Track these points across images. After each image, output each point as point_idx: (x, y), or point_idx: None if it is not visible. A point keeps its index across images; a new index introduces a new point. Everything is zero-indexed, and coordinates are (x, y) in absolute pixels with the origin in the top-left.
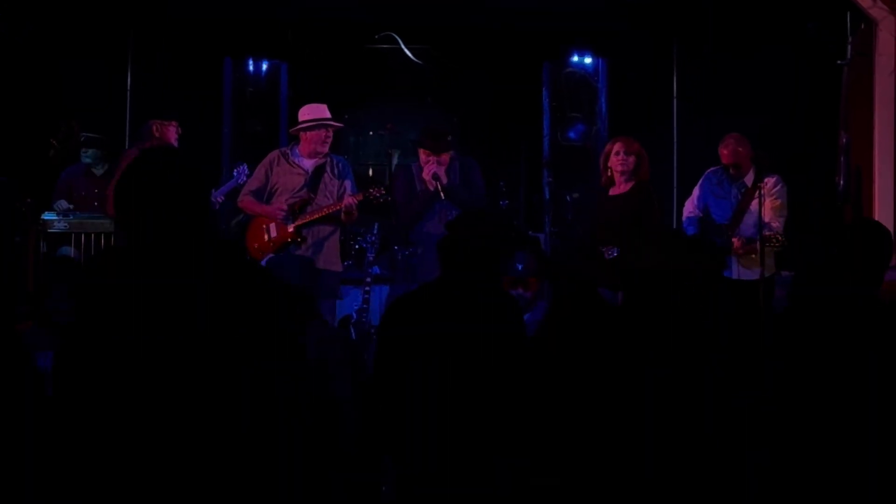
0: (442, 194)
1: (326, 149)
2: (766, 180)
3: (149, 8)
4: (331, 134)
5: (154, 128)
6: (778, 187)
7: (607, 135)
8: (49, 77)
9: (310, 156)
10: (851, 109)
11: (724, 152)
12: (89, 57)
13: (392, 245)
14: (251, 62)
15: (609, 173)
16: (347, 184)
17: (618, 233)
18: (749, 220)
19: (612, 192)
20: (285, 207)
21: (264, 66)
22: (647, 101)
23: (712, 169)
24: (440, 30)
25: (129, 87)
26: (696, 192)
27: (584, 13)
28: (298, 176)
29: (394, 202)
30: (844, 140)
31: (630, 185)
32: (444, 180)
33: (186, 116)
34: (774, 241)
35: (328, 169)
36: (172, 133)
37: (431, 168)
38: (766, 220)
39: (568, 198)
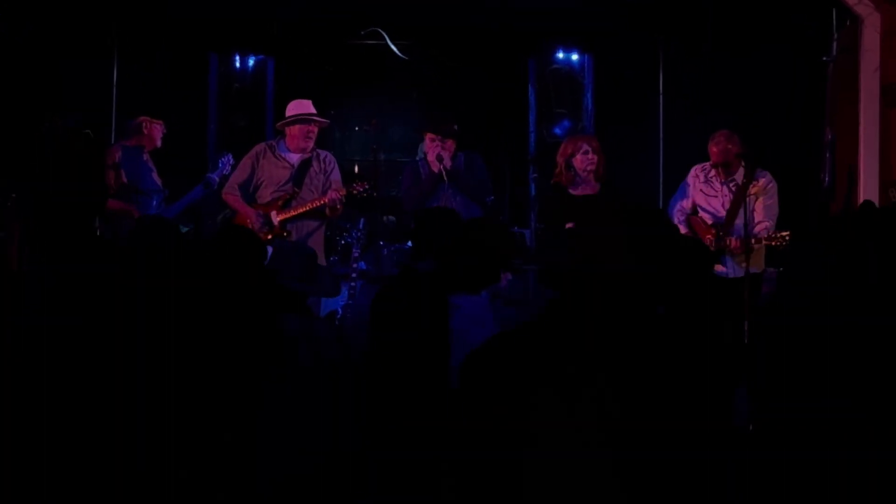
0: (445, 177)
1: (310, 144)
2: (758, 179)
3: (134, 3)
4: (314, 129)
5: (144, 125)
6: (770, 185)
7: (593, 131)
8: (32, 72)
9: (295, 150)
10: (837, 106)
11: (715, 150)
12: (75, 52)
13: (378, 240)
14: (237, 58)
15: (571, 172)
16: (333, 179)
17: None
18: (742, 218)
19: (574, 191)
20: (261, 214)
21: (251, 62)
22: (633, 97)
23: (699, 165)
24: (426, 26)
25: (114, 83)
26: (682, 188)
27: (571, 9)
28: (284, 169)
29: (400, 195)
30: (830, 137)
31: (598, 186)
32: (449, 164)
33: (172, 112)
34: (781, 238)
35: (314, 164)
36: (159, 131)
37: (436, 150)
38: (759, 218)
39: None
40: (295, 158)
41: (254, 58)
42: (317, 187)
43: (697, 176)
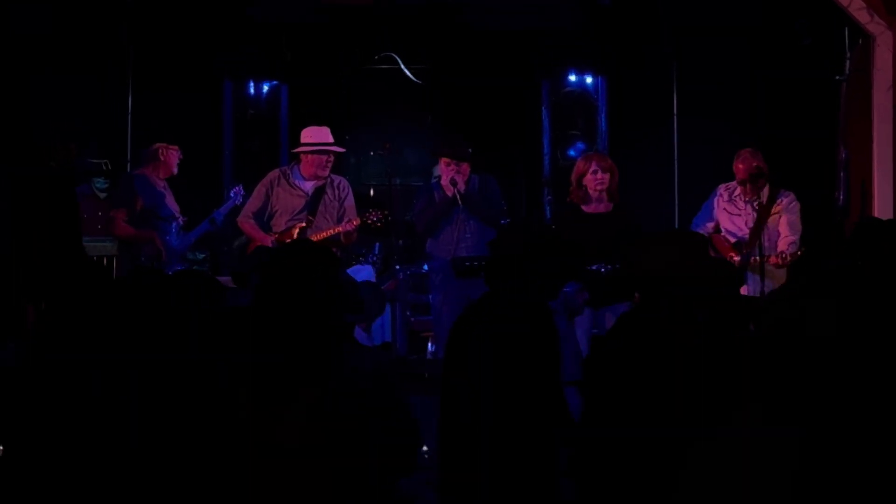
0: (459, 200)
1: (327, 172)
2: (782, 197)
3: (149, 31)
4: (332, 159)
5: (160, 151)
6: (793, 204)
7: (608, 152)
8: (48, 99)
9: (310, 178)
10: (850, 125)
11: (741, 167)
12: (90, 78)
13: (394, 264)
14: (252, 84)
15: (582, 190)
16: (347, 205)
17: (602, 250)
18: (766, 235)
19: (587, 209)
20: (278, 244)
21: (265, 88)
22: (647, 118)
23: (724, 185)
24: (440, 50)
25: (129, 111)
26: (706, 207)
27: (584, 31)
28: (299, 198)
29: (413, 219)
30: (843, 155)
31: (611, 205)
32: (462, 187)
33: (187, 139)
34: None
35: (328, 191)
36: (175, 157)
37: (451, 174)
38: (785, 233)
39: None
40: (309, 186)
41: (268, 84)
42: (332, 215)
43: (721, 195)
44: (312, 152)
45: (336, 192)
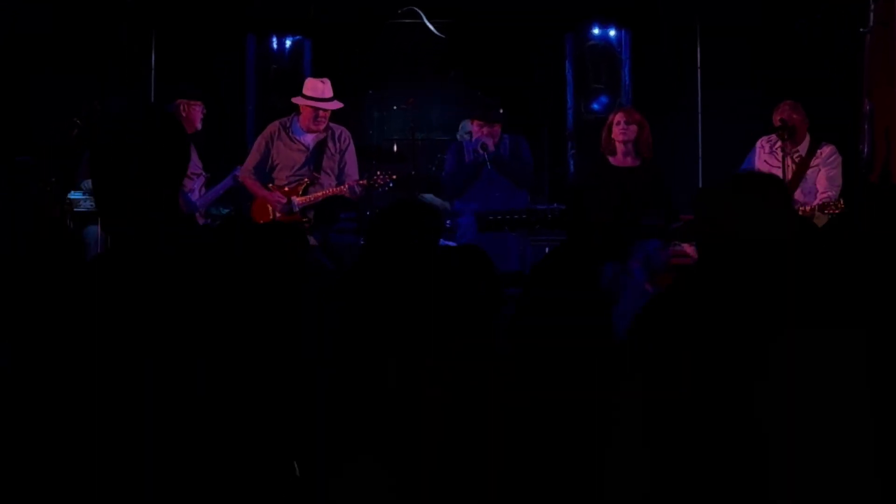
0: (488, 162)
1: (321, 127)
2: (821, 149)
3: None
4: (326, 114)
5: (181, 107)
6: (833, 157)
7: (632, 106)
8: (72, 56)
9: (308, 131)
10: (874, 77)
11: (779, 118)
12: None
13: None
14: (275, 39)
15: (611, 143)
16: (348, 157)
17: (628, 204)
18: (804, 189)
19: (614, 161)
20: (284, 200)
21: (288, 43)
22: (671, 71)
23: (765, 137)
24: (463, 3)
25: (153, 67)
26: (748, 161)
27: None
28: (300, 153)
29: (441, 176)
30: (868, 108)
31: (638, 162)
32: (492, 148)
33: (210, 95)
34: (834, 206)
35: (329, 144)
36: (198, 113)
37: (481, 136)
38: (822, 188)
39: None
40: (309, 139)
41: (291, 38)
42: (332, 168)
43: (763, 146)
44: (306, 105)
45: (337, 144)
